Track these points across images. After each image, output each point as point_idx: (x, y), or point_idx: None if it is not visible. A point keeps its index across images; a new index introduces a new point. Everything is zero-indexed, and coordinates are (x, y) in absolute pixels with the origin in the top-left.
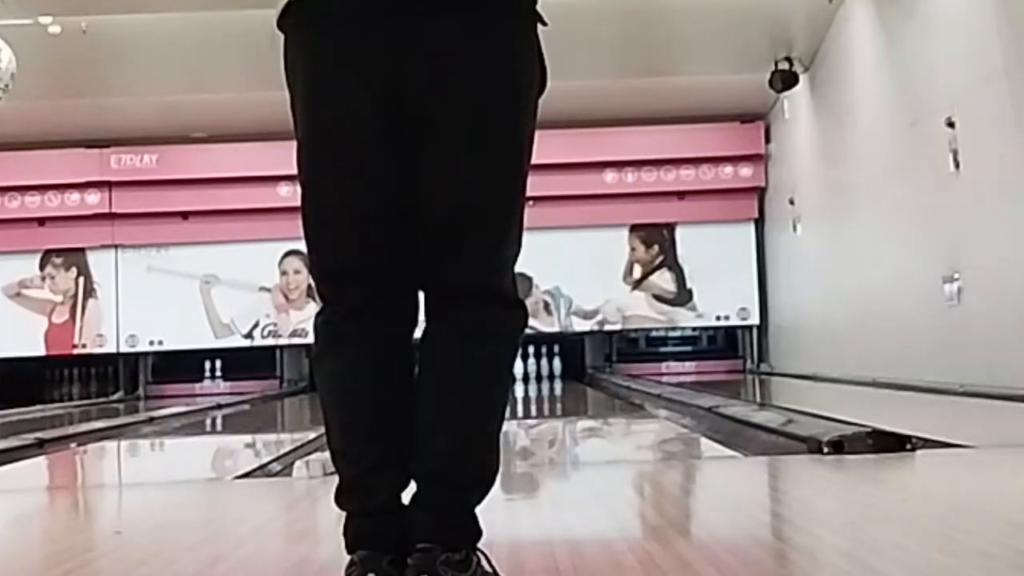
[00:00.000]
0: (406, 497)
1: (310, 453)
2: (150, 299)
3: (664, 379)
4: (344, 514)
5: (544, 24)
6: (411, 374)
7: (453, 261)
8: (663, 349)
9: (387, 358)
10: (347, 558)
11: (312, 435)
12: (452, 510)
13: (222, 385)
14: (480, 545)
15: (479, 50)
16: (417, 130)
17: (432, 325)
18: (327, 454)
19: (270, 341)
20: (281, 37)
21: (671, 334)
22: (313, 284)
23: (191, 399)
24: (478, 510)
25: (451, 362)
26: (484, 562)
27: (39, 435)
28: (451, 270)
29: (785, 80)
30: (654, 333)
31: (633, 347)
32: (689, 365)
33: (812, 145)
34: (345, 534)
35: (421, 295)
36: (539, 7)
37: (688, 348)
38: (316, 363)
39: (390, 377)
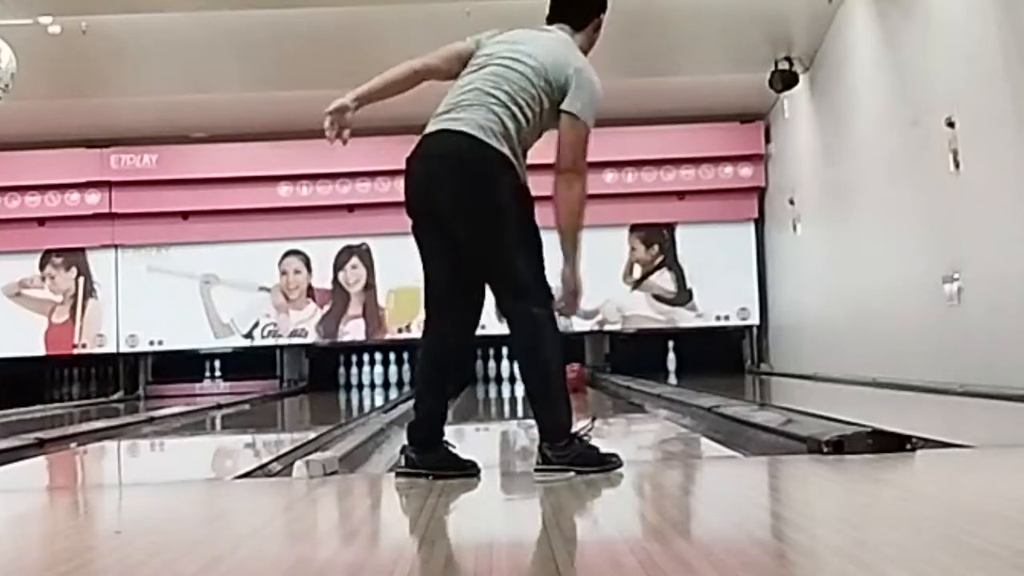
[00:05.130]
0: None
1: (310, 453)
2: (150, 299)
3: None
4: None
5: None
6: None
7: None
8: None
9: None
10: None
11: (312, 435)
12: None
13: (222, 385)
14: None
15: None
16: None
17: None
18: (326, 454)
19: (270, 341)
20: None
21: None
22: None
23: (191, 399)
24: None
25: None
26: None
27: (39, 435)
28: None
29: (785, 80)
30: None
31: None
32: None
33: (812, 145)
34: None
35: None
36: None
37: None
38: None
39: None
